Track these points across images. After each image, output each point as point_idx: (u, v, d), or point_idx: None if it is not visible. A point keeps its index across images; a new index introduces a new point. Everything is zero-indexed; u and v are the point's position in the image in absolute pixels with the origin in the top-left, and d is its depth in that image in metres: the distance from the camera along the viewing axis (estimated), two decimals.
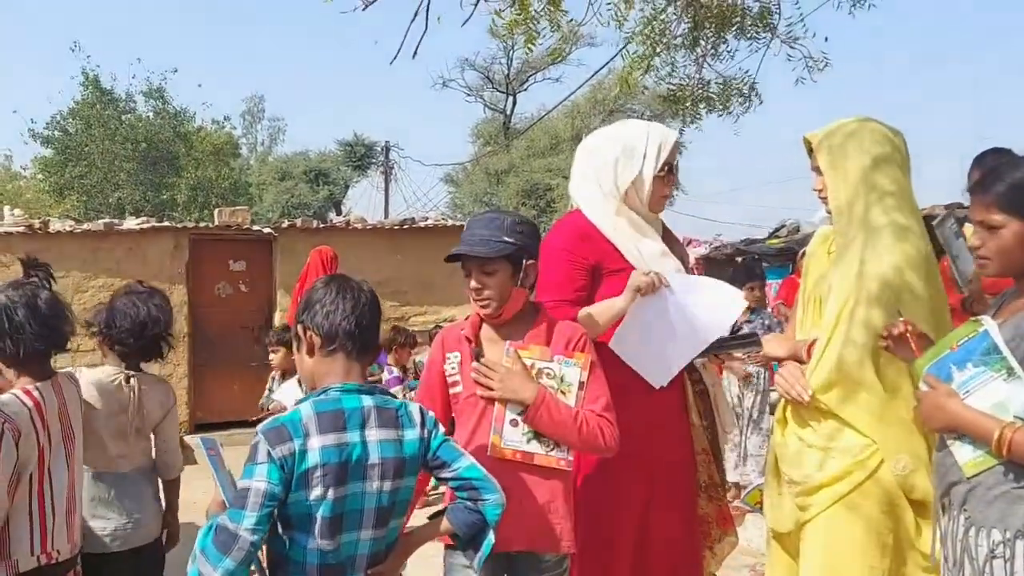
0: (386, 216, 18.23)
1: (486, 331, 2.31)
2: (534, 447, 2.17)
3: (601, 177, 2.59)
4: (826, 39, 5.10)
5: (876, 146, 2.31)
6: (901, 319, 2.07)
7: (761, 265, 7.46)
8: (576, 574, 2.44)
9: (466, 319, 2.36)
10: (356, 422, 1.81)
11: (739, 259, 10.03)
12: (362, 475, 1.80)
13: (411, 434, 1.89)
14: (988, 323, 1.86)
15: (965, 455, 1.85)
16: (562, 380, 2.21)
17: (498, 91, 27.32)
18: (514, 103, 27.20)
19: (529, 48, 4.38)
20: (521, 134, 23.01)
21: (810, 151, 2.41)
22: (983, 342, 1.84)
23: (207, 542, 1.67)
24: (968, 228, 2.40)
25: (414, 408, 1.95)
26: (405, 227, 9.70)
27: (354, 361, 1.89)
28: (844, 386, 2.24)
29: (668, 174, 2.59)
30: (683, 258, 2.75)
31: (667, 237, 2.71)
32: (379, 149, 25.89)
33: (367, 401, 1.85)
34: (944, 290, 2.38)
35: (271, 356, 5.06)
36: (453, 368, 2.28)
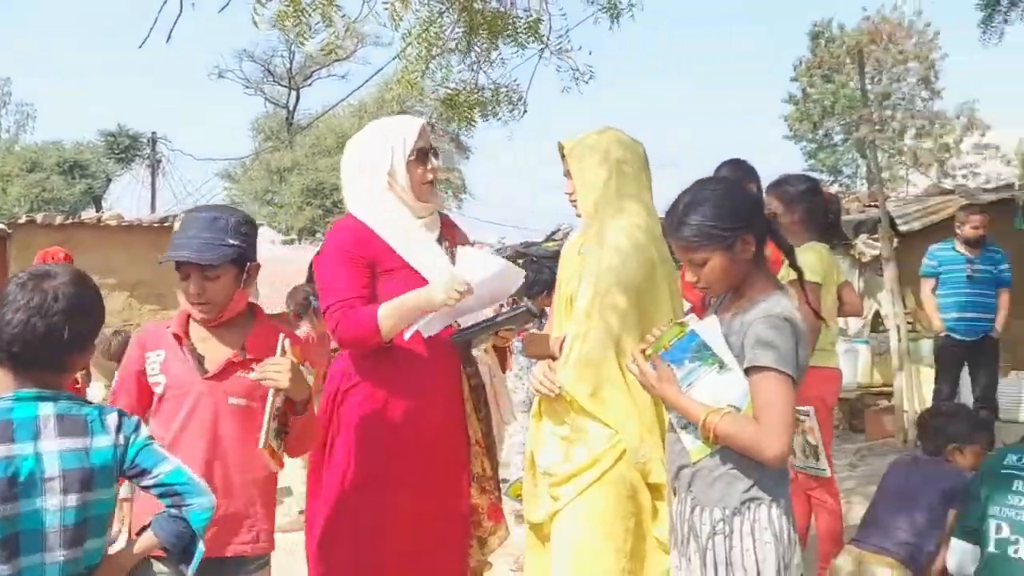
0: (153, 212, 16.97)
1: (197, 330, 2.23)
2: (275, 443, 2.13)
3: (364, 176, 2.58)
4: (590, 53, 5.37)
5: (619, 154, 2.47)
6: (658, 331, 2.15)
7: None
8: (345, 565, 2.44)
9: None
10: (28, 433, 1.64)
11: (519, 261, 10.43)
12: (37, 491, 1.63)
13: (102, 441, 1.72)
14: (694, 322, 2.03)
15: (691, 442, 1.99)
16: None
17: (280, 85, 26.33)
18: (297, 98, 26.35)
19: (302, 41, 4.22)
20: (303, 130, 22.39)
21: (564, 156, 2.53)
22: (692, 340, 1.99)
23: None
24: None
25: (111, 414, 1.78)
26: (167, 224, 9.01)
27: (32, 370, 1.69)
28: (590, 380, 2.36)
29: (423, 159, 2.59)
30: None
31: (448, 229, 2.73)
32: (145, 141, 24.06)
33: (46, 409, 1.68)
34: (681, 288, 2.57)
35: None
36: (154, 368, 2.19)
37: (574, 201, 2.50)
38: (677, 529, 2.04)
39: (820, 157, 26.54)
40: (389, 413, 2.47)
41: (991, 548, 2.58)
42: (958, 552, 2.74)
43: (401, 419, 2.47)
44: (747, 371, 1.89)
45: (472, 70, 5.53)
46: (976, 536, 2.67)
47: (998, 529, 2.56)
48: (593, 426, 2.36)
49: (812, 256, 3.33)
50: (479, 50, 5.44)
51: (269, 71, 25.96)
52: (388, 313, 2.39)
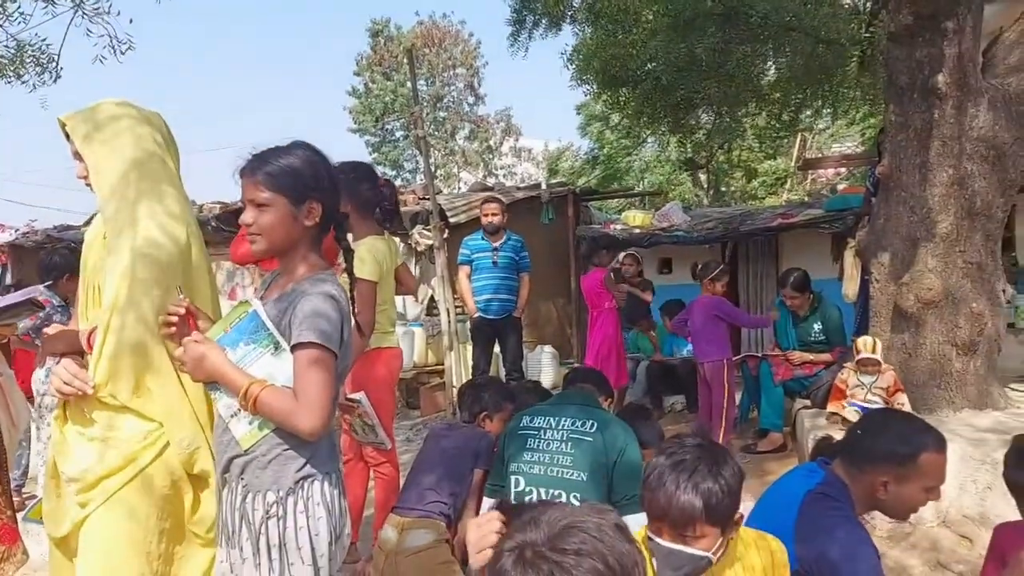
0: None
1: None
2: None
3: None
4: (131, 21, 4.95)
5: (138, 129, 2.29)
6: (181, 297, 2.07)
7: None
8: None
9: None
10: None
11: (55, 247, 9.18)
12: None
13: None
14: (255, 304, 1.98)
15: (241, 430, 1.94)
16: None
17: None
18: None
19: None
20: None
21: (68, 135, 2.26)
22: (252, 322, 1.95)
23: None
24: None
25: None
26: None
27: None
28: (129, 373, 2.16)
29: None
30: None
31: None
32: None
33: None
34: (211, 270, 2.44)
35: None
36: None
37: (90, 184, 2.25)
38: (227, 521, 1.97)
39: (383, 151, 27.84)
40: None
41: (512, 500, 2.95)
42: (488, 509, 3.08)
43: None
44: (293, 348, 1.88)
45: None
46: (503, 493, 3.02)
47: (517, 483, 2.93)
48: (130, 422, 2.17)
49: (366, 255, 3.49)
50: None
51: None
52: None
